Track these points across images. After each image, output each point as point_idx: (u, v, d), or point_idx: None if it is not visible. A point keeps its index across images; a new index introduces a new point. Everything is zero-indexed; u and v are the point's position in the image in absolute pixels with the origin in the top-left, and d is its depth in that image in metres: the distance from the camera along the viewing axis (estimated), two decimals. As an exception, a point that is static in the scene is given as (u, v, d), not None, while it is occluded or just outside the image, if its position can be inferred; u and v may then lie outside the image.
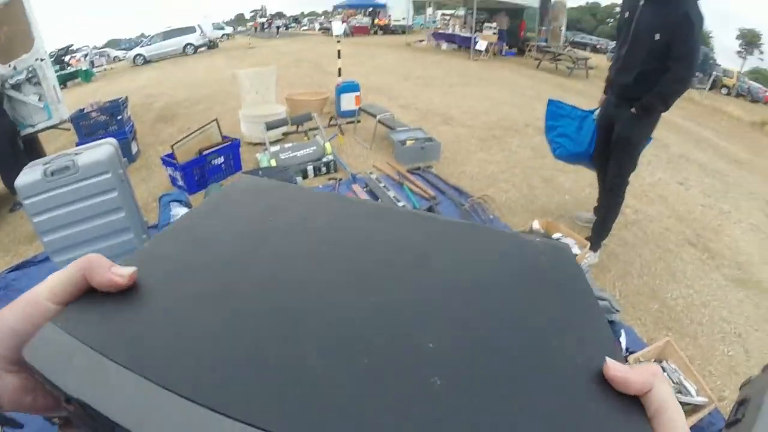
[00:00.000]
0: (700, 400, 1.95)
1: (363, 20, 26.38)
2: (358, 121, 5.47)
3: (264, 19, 34.65)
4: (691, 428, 1.87)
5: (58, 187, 2.34)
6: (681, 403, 1.91)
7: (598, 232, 3.22)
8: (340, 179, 3.96)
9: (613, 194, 3.14)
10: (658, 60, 2.52)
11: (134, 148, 4.72)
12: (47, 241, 2.42)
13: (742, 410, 1.64)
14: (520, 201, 4.12)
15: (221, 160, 4.08)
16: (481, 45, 14.36)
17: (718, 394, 2.22)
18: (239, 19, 67.20)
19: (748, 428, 1.54)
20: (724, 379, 2.41)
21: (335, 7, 33.40)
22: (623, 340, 2.28)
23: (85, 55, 18.44)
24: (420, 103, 7.35)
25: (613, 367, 0.28)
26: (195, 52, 18.75)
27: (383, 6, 28.66)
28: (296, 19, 44.54)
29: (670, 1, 2.40)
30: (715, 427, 1.96)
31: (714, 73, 19.81)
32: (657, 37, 2.47)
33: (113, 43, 35.67)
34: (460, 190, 4.07)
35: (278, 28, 29.56)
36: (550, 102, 3.56)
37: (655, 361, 2.14)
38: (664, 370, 2.09)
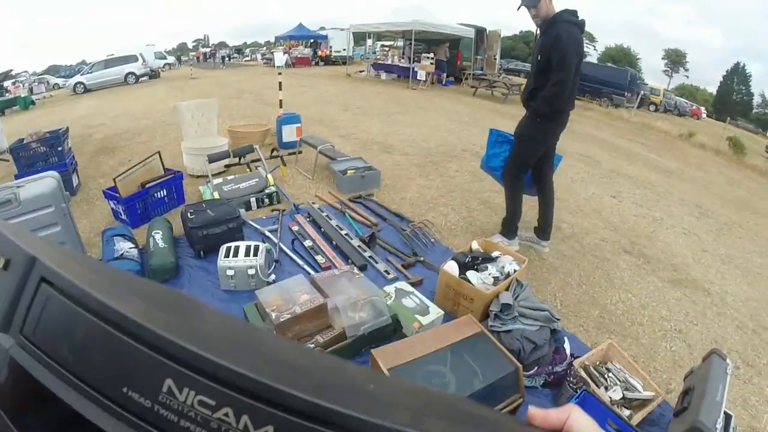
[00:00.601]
0: (647, 394, 2.09)
1: (305, 51, 26.39)
2: (300, 152, 5.59)
3: (207, 49, 34.23)
4: (642, 421, 2.00)
5: None
6: (629, 399, 2.07)
7: (504, 221, 3.82)
8: (283, 210, 4.05)
9: (505, 182, 3.73)
10: (544, 75, 3.12)
11: (75, 181, 4.62)
12: None
13: (688, 399, 1.81)
14: (459, 223, 4.29)
15: (164, 193, 4.07)
16: (422, 75, 14.85)
17: (665, 388, 2.39)
18: (182, 49, 66.05)
19: (694, 414, 1.69)
20: (669, 373, 2.58)
21: (277, 38, 33.39)
22: (567, 346, 2.39)
23: (23, 82, 17.62)
24: (360, 133, 7.55)
25: (534, 412, 0.35)
26: (137, 82, 18.37)
27: (325, 38, 29.01)
28: (239, 50, 44.23)
29: (547, 30, 3.06)
30: (666, 417, 2.10)
31: (642, 92, 21.01)
32: (539, 57, 3.13)
33: (53, 69, 34.20)
34: (401, 215, 4.21)
35: (223, 58, 29.24)
36: (492, 131, 3.84)
37: (599, 363, 2.30)
38: (609, 370, 2.23)
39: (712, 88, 47.85)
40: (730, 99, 43.79)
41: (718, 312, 3.40)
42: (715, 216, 5.85)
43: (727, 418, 1.79)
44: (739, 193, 8.25)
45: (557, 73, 3.03)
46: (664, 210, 5.56)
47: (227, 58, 31.24)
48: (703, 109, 31.66)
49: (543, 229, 3.83)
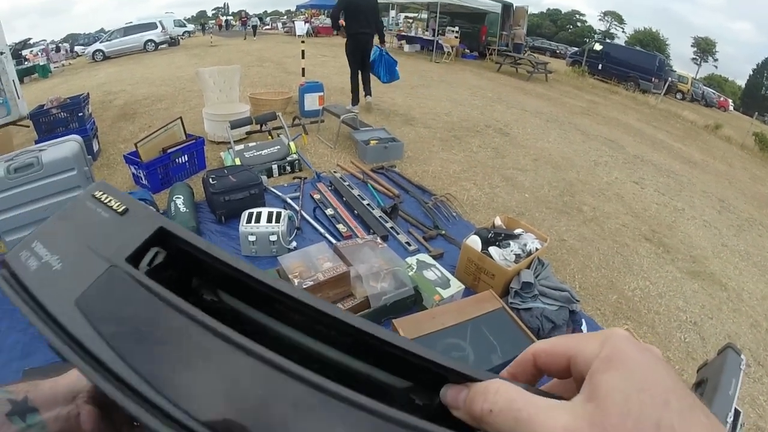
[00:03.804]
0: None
1: (326, 21, 26.12)
2: (322, 121, 5.55)
3: (229, 17, 33.54)
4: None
5: (22, 185, 2.29)
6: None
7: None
8: (305, 178, 4.03)
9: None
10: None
11: (95, 146, 4.65)
12: (9, 240, 2.35)
13: (700, 390, 1.79)
14: (482, 199, 4.27)
15: (185, 158, 4.08)
16: (447, 48, 14.63)
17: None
18: (202, 16, 65.69)
19: (706, 406, 1.71)
20: (682, 364, 2.58)
21: (299, 7, 32.95)
22: (584, 328, 2.38)
23: (42, 50, 17.66)
24: (382, 104, 7.48)
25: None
26: (156, 49, 18.27)
27: (347, 7, 28.48)
28: (260, 18, 43.82)
29: None
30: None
31: (669, 78, 20.40)
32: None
33: (72, 38, 34.23)
34: (423, 188, 4.18)
35: (255, 27, 25.97)
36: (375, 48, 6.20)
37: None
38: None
39: (741, 81, 46.25)
40: (759, 93, 42.40)
41: (733, 308, 3.37)
42: (736, 211, 5.73)
43: (737, 414, 1.77)
44: (763, 190, 8.02)
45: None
46: (686, 200, 5.47)
47: (258, 26, 28.41)
48: (730, 101, 30.66)
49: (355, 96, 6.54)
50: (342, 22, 5.91)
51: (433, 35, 15.85)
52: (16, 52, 14.42)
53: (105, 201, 0.33)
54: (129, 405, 0.24)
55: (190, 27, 29.49)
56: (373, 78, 6.53)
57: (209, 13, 66.47)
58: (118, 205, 0.33)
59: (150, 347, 0.26)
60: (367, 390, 0.24)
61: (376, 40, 6.19)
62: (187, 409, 0.24)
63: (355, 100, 6.51)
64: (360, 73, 6.33)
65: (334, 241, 3.02)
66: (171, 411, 0.23)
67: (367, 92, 6.60)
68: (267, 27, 36.12)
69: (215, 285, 0.32)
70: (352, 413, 0.23)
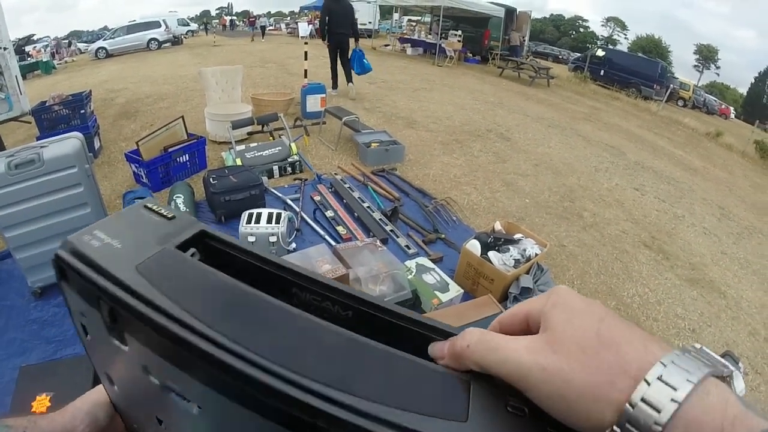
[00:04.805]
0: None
1: (327, 22, 25.89)
2: (324, 123, 5.55)
3: (232, 18, 33.42)
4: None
5: (22, 181, 2.26)
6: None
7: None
8: (306, 180, 4.03)
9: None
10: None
11: (96, 144, 4.65)
12: (9, 237, 2.33)
13: None
14: (482, 203, 4.27)
15: (186, 157, 4.08)
16: (449, 52, 14.67)
17: None
18: (205, 16, 65.76)
19: None
20: None
21: (302, 8, 32.98)
22: None
23: (46, 46, 17.67)
24: (384, 107, 7.50)
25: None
26: (159, 48, 18.32)
27: (352, 9, 28.54)
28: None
29: None
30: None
31: (671, 85, 20.39)
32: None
33: (75, 35, 34.23)
34: (423, 192, 4.19)
35: (263, 28, 24.91)
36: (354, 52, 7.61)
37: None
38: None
39: (743, 89, 46.16)
40: (761, 101, 42.35)
41: (732, 316, 3.36)
42: (736, 219, 5.71)
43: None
44: (763, 198, 7.98)
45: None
46: (686, 207, 5.46)
47: (268, 27, 28.09)
48: (732, 109, 30.54)
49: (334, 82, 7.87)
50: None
51: (436, 39, 15.87)
52: (20, 48, 14.43)
53: (156, 209, 0.38)
54: (198, 342, 0.27)
55: (194, 26, 29.51)
56: (380, 83, 6.99)
57: (213, 13, 66.56)
58: (167, 213, 0.38)
59: (208, 305, 0.30)
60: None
61: (353, 43, 7.64)
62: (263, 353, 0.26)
63: (334, 85, 7.93)
64: (341, 65, 7.76)
65: (333, 243, 3.03)
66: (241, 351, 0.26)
67: (349, 80, 7.88)
68: (271, 28, 36.02)
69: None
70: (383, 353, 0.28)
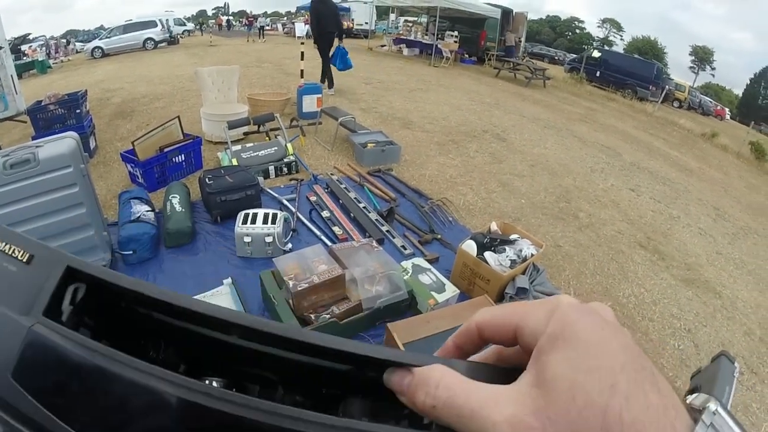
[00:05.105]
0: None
1: (326, 23, 25.81)
2: (320, 123, 5.55)
3: (228, 17, 33.31)
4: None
5: (17, 181, 2.24)
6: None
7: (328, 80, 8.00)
8: (302, 180, 4.03)
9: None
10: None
11: (92, 144, 4.63)
12: None
13: None
14: (478, 204, 4.26)
15: (182, 157, 4.07)
16: (446, 52, 14.68)
17: (671, 385, 2.41)
18: (202, 16, 65.62)
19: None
20: (675, 371, 2.58)
21: (299, 9, 32.87)
22: None
23: (42, 45, 17.55)
24: (381, 107, 7.49)
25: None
26: (155, 47, 18.24)
27: (347, 10, 28.48)
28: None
29: None
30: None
31: (667, 87, 20.41)
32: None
33: (71, 34, 34.07)
34: (419, 192, 4.19)
35: (261, 28, 24.52)
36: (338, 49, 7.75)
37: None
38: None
39: (738, 90, 46.44)
40: (756, 103, 42.56)
41: (727, 316, 3.37)
42: (731, 219, 5.73)
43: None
44: (758, 199, 8.02)
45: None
46: (681, 208, 5.47)
47: (267, 28, 27.67)
48: (727, 110, 30.70)
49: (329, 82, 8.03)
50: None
51: (433, 39, 15.90)
52: (15, 47, 14.31)
53: (8, 252, 0.31)
54: None
55: (190, 26, 29.41)
56: (377, 84, 7.03)
57: (209, 13, 66.52)
58: (22, 254, 0.31)
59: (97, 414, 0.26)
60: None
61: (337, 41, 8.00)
62: None
63: (330, 84, 8.08)
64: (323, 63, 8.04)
65: (329, 243, 3.03)
66: None
67: (324, 80, 8.24)
68: (267, 28, 35.89)
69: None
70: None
